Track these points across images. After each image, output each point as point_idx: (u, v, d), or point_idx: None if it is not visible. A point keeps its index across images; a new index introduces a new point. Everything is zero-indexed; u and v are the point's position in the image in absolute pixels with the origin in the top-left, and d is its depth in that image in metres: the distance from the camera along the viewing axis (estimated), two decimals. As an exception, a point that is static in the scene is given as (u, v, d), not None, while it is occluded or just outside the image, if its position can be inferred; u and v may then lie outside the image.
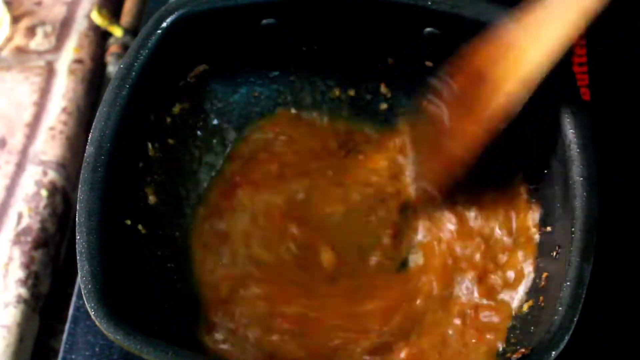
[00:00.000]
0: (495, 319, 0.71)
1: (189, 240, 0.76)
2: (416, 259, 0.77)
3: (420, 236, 0.77)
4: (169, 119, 0.76)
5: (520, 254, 0.73)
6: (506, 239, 0.74)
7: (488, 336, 0.70)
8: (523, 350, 0.62)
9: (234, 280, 0.74)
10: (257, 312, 0.73)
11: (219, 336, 0.71)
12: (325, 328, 0.73)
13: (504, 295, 0.72)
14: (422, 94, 0.74)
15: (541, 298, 0.67)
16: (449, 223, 0.76)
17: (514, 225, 0.74)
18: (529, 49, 0.65)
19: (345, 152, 0.81)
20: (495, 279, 0.73)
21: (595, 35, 0.91)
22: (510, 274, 0.73)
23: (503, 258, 0.74)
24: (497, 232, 0.75)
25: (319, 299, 0.74)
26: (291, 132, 0.82)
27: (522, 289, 0.71)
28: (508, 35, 0.67)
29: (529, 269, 0.72)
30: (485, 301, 0.72)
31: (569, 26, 0.62)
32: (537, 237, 0.72)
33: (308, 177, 0.80)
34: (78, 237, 0.64)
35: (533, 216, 0.73)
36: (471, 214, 0.76)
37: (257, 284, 0.74)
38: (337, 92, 0.82)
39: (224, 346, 0.71)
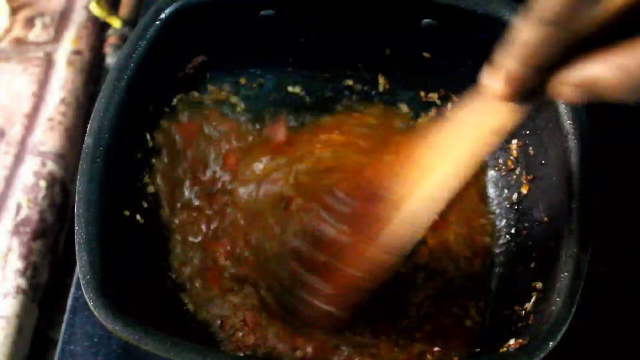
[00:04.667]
0: None
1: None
2: None
3: None
4: (167, 110, 0.76)
5: None
6: None
7: None
8: (521, 340, 0.62)
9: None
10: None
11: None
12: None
13: None
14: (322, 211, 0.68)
15: (539, 289, 0.67)
16: None
17: None
18: (433, 169, 0.60)
19: None
20: None
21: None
22: None
23: None
24: None
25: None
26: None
27: None
28: (411, 153, 0.61)
29: None
30: None
31: (479, 147, 0.58)
32: None
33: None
34: (77, 228, 0.64)
35: None
36: None
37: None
38: (335, 83, 0.82)
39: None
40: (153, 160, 0.74)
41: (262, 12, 0.76)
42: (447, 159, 0.59)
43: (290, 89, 0.82)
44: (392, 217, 0.61)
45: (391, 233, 0.62)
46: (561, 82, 0.50)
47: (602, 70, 0.48)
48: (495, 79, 0.52)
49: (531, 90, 0.52)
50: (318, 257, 0.67)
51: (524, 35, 0.49)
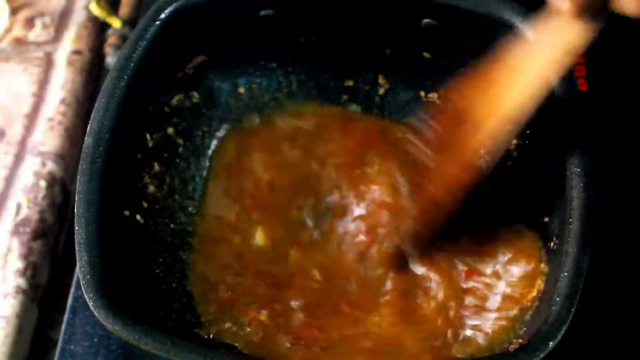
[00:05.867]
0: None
1: (191, 231, 0.77)
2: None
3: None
4: (167, 110, 0.76)
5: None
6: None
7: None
8: (521, 340, 0.62)
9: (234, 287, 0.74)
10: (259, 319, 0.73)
11: (216, 328, 0.71)
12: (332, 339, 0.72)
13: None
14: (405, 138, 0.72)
15: (540, 289, 0.67)
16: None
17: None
18: (510, 88, 0.63)
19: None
20: None
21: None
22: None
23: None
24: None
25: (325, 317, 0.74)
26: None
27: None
28: (489, 73, 0.64)
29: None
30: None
31: (553, 65, 0.61)
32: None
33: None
34: (77, 228, 0.64)
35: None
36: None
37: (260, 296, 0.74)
38: (335, 83, 0.82)
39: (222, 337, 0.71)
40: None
41: (262, 12, 0.76)
42: (523, 79, 0.62)
43: (290, 89, 0.82)
44: (474, 138, 0.65)
45: (473, 153, 0.66)
46: None
47: None
48: None
49: (597, 6, 0.54)
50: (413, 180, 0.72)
51: None
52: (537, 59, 0.61)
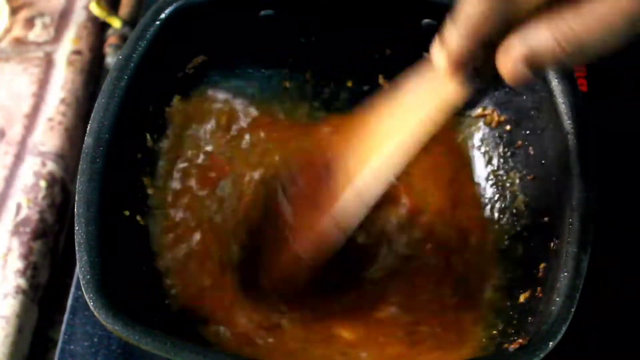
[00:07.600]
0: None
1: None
2: None
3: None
4: (167, 110, 0.76)
5: None
6: None
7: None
8: (521, 340, 0.62)
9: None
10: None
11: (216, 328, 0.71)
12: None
13: None
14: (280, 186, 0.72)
15: (539, 289, 0.67)
16: None
17: None
18: (380, 144, 0.62)
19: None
20: None
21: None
22: None
23: None
24: None
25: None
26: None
27: None
28: (362, 126, 0.64)
29: None
30: None
31: (424, 122, 0.59)
32: None
33: None
34: (77, 228, 0.64)
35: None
36: None
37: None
38: (335, 84, 0.82)
39: (222, 337, 0.71)
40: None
41: (262, 12, 0.76)
42: (393, 134, 0.61)
43: (289, 89, 0.82)
44: (340, 193, 0.64)
45: (339, 208, 0.64)
46: (504, 58, 0.50)
47: (541, 39, 0.48)
48: (440, 54, 0.53)
49: (477, 68, 0.53)
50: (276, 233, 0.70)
51: (468, 8, 0.50)
52: (408, 116, 0.60)
